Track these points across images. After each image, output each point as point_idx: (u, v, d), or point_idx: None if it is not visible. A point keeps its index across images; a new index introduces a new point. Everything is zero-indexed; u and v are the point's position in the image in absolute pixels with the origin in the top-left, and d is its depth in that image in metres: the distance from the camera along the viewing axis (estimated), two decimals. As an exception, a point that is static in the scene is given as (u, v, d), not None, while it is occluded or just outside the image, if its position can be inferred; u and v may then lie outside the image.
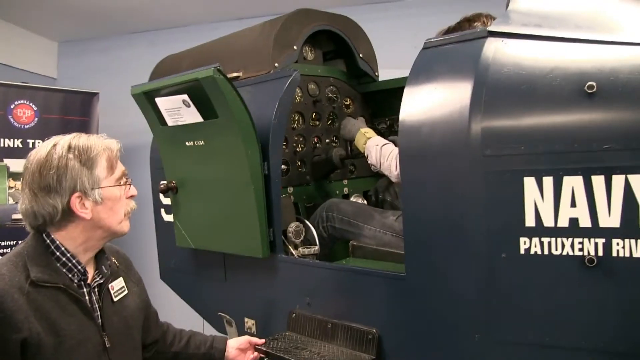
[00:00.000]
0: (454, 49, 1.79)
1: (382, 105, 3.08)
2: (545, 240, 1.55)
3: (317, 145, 2.87)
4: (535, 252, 1.56)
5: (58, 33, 5.68)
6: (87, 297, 1.61)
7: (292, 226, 2.36)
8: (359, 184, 3.05)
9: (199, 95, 2.18)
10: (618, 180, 1.46)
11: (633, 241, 1.46)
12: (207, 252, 2.58)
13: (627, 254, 1.46)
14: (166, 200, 2.84)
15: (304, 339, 2.13)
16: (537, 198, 1.55)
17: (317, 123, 2.86)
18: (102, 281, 1.67)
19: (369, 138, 2.40)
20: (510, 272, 1.60)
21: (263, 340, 2.09)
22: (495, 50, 1.68)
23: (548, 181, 1.53)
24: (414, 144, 1.77)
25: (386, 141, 2.36)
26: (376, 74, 3.02)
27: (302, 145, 2.79)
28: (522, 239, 1.58)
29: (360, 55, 2.91)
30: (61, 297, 1.52)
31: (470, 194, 1.64)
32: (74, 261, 1.58)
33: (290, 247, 2.34)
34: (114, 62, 5.57)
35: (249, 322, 2.45)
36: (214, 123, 2.20)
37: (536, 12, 1.75)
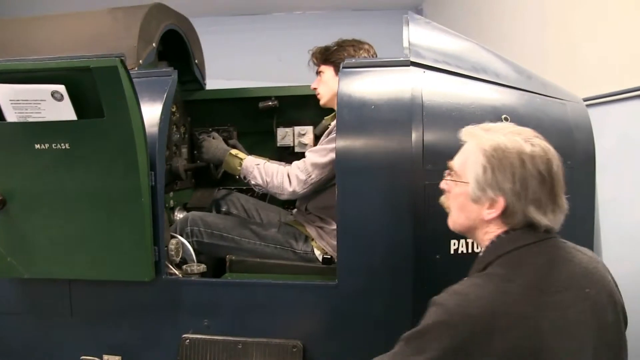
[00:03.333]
0: (382, 73, 1.98)
1: (203, 114, 2.98)
2: (470, 241, 1.88)
3: (152, 154, 2.60)
4: (462, 251, 1.88)
5: None
6: None
7: (173, 243, 2.12)
8: (181, 197, 2.87)
9: (81, 88, 1.79)
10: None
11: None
12: (35, 284, 2.08)
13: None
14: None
15: (208, 365, 1.96)
16: (464, 206, 1.87)
17: None
18: None
19: (243, 159, 2.34)
20: (443, 270, 1.87)
21: None
22: (420, 78, 1.95)
23: (473, 192, 1.88)
24: (355, 158, 1.88)
25: (262, 159, 2.34)
26: (204, 82, 2.92)
27: None
28: (452, 241, 1.87)
29: (196, 61, 2.78)
30: None
31: (411, 203, 1.85)
32: None
33: (171, 266, 2.09)
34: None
35: (112, 360, 2.07)
36: (96, 123, 1.83)
37: (436, 49, 2.09)
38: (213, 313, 2.01)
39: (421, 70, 1.98)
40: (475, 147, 1.34)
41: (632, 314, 2.08)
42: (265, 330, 1.98)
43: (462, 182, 1.36)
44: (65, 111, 1.82)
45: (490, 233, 1.35)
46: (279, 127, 2.97)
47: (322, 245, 2.29)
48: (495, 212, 1.31)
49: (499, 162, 1.28)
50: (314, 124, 2.93)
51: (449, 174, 1.44)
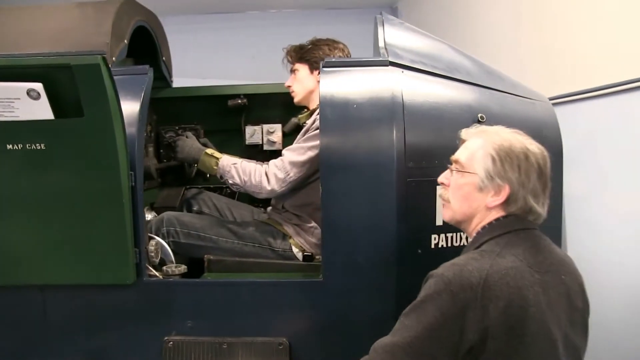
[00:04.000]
0: (362, 72, 2.01)
1: (169, 112, 2.92)
2: (449, 235, 1.96)
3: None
4: (442, 245, 1.95)
5: None
6: None
7: (153, 244, 2.07)
8: (147, 197, 2.81)
9: (59, 86, 1.73)
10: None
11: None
12: (5, 291, 1.99)
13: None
14: None
15: (193, 366, 1.94)
16: (444, 202, 1.94)
17: None
18: None
19: (219, 158, 2.31)
20: (424, 264, 1.93)
21: None
22: (400, 78, 1.99)
23: (452, 188, 1.95)
24: (339, 156, 1.91)
25: (237, 158, 2.32)
26: (171, 79, 2.86)
27: None
28: (433, 236, 1.94)
29: (163, 58, 2.72)
30: None
31: (394, 199, 1.89)
32: None
33: (151, 268, 2.05)
34: None
35: (88, 366, 2.01)
36: (75, 123, 1.77)
37: (412, 49, 2.14)
38: (197, 314, 1.99)
39: (399, 70, 2.02)
40: (484, 142, 1.49)
41: (599, 308, 2.21)
42: (251, 329, 1.98)
43: (470, 173, 1.49)
44: (41, 110, 1.75)
45: (485, 220, 1.50)
46: (247, 125, 2.96)
47: (299, 242, 2.31)
48: (500, 199, 1.46)
49: (506, 154, 1.44)
50: (283, 122, 2.95)
51: (454, 167, 1.55)
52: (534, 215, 1.47)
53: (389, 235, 1.90)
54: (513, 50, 3.08)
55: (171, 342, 1.97)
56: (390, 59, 2.03)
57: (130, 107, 1.99)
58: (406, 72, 2.03)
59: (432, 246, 1.94)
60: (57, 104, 1.75)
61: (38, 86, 1.71)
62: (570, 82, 2.41)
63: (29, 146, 1.80)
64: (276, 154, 2.90)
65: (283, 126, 2.94)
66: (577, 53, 2.49)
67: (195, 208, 2.63)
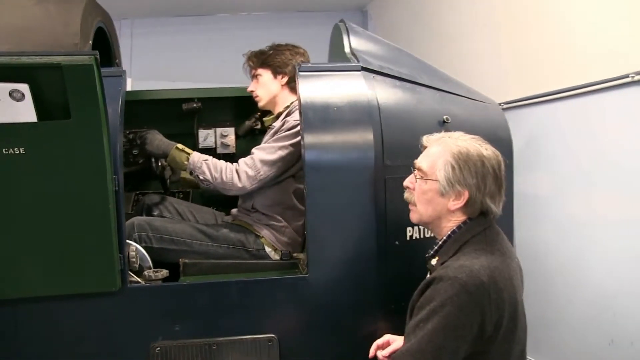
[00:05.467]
0: (337, 77, 2.12)
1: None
2: (422, 227, 2.11)
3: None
4: (416, 237, 2.11)
5: None
6: None
7: (133, 250, 2.02)
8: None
9: (46, 87, 1.66)
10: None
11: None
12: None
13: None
14: None
15: (184, 370, 1.93)
16: (417, 197, 2.09)
17: None
18: None
19: (190, 154, 2.30)
20: (401, 255, 2.07)
21: None
22: (372, 83, 2.13)
23: (423, 184, 2.10)
24: (322, 156, 2.00)
25: (208, 155, 2.33)
26: (123, 83, 2.77)
27: None
28: (408, 228, 2.09)
29: (117, 60, 2.64)
30: None
31: (373, 195, 2.02)
32: None
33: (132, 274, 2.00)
34: None
35: (68, 380, 1.92)
36: (60, 125, 1.71)
37: (378, 56, 2.28)
38: (184, 317, 1.98)
39: (371, 75, 2.15)
40: (443, 151, 1.64)
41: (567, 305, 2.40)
42: (240, 328, 2.00)
43: (432, 180, 1.64)
44: (24, 112, 1.67)
45: (452, 221, 1.67)
46: (200, 129, 2.95)
47: (271, 241, 2.35)
48: (460, 203, 1.62)
49: (464, 162, 1.60)
50: (236, 126, 2.97)
51: (417, 174, 1.70)
52: (492, 214, 1.66)
53: (369, 229, 2.02)
54: (482, 53, 3.27)
55: (158, 348, 1.94)
56: (362, 65, 2.16)
57: (109, 110, 1.93)
58: (377, 77, 2.16)
59: (408, 238, 2.08)
60: (41, 105, 1.68)
61: (23, 87, 1.63)
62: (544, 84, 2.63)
63: (5, 150, 1.71)
64: (230, 157, 2.94)
65: (236, 129, 2.96)
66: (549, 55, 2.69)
67: (155, 214, 2.57)
